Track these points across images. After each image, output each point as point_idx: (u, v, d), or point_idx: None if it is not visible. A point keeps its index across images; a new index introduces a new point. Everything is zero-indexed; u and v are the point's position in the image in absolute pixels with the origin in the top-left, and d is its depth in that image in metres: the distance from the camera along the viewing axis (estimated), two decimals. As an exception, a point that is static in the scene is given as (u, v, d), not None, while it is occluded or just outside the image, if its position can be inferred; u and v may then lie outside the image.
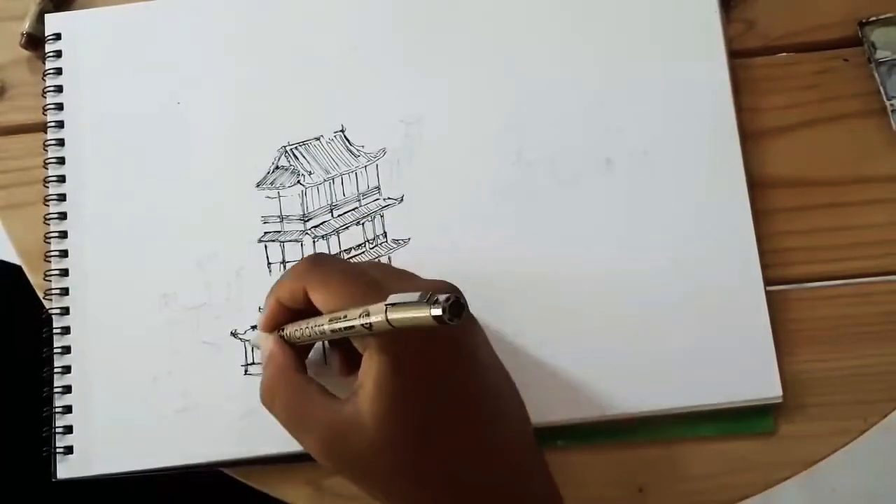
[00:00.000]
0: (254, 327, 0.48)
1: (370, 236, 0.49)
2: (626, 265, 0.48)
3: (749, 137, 0.50)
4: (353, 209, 0.50)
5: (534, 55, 0.51)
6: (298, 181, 0.50)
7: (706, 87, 0.50)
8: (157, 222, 0.50)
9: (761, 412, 0.47)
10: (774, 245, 0.49)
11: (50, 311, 0.49)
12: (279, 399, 0.41)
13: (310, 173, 0.50)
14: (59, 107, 0.52)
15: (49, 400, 0.48)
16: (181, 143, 0.51)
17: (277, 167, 0.50)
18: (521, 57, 0.51)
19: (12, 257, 0.52)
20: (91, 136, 0.51)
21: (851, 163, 0.50)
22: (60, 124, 0.52)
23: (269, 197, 0.50)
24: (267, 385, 0.42)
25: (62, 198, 0.51)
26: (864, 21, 0.51)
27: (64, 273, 0.50)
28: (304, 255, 0.49)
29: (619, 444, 0.47)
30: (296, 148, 0.50)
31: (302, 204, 0.50)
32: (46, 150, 0.51)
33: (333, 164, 0.50)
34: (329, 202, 0.50)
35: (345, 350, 0.44)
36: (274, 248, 0.49)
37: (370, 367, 0.38)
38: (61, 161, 0.51)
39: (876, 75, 0.50)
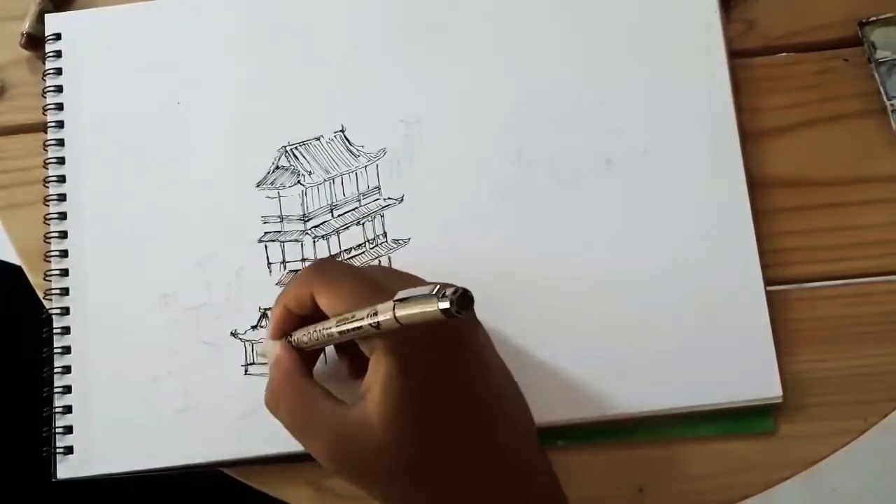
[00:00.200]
0: (254, 327, 0.48)
1: (370, 236, 0.49)
2: (626, 265, 0.48)
3: (749, 137, 0.50)
4: (354, 209, 0.50)
5: (534, 55, 0.51)
6: (298, 181, 0.50)
7: (706, 87, 0.50)
8: (157, 222, 0.50)
9: (761, 412, 0.47)
10: (774, 245, 0.49)
11: (50, 311, 0.49)
12: (284, 403, 0.41)
13: (310, 173, 0.50)
14: (59, 107, 0.52)
15: (49, 400, 0.48)
16: (181, 143, 0.51)
17: (277, 167, 0.50)
18: (521, 57, 0.51)
19: (12, 257, 0.52)
20: (91, 136, 0.51)
21: (851, 163, 0.50)
22: (60, 124, 0.52)
23: (269, 197, 0.50)
24: (272, 389, 0.42)
25: (62, 198, 0.51)
26: (864, 21, 0.51)
27: (64, 273, 0.50)
28: (305, 256, 0.49)
29: (620, 444, 0.47)
30: (296, 148, 0.50)
31: (302, 204, 0.50)
32: (46, 150, 0.51)
33: (333, 164, 0.50)
34: (329, 202, 0.50)
35: (352, 355, 0.44)
36: (274, 248, 0.49)
37: (377, 370, 0.38)
38: (61, 161, 0.51)
39: (876, 75, 0.50)
